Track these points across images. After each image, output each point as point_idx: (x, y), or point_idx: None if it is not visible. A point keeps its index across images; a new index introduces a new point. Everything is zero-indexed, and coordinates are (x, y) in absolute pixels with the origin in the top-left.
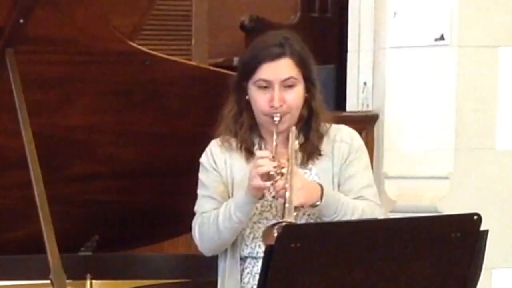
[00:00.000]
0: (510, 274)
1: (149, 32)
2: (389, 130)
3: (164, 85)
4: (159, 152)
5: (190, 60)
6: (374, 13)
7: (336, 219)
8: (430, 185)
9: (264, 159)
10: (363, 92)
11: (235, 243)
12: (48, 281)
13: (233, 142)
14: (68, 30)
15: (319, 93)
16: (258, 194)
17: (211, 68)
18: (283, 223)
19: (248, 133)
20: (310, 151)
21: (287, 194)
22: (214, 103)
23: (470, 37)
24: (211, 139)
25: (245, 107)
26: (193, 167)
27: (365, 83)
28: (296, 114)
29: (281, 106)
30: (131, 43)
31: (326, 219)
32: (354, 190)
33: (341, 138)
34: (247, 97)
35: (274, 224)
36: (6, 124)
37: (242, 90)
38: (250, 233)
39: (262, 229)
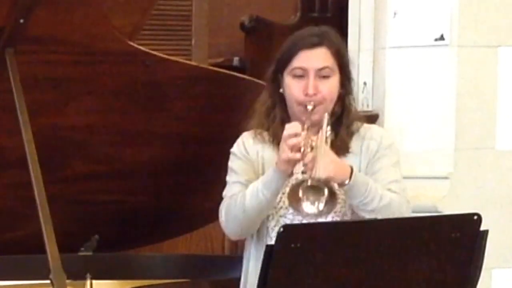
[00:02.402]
0: (510, 274)
1: (149, 32)
2: (389, 130)
3: (164, 85)
4: (159, 152)
5: (190, 60)
6: (374, 13)
7: (364, 202)
8: (430, 185)
9: (291, 131)
10: (363, 92)
11: (260, 236)
12: (48, 281)
13: (266, 135)
14: (68, 30)
15: (352, 89)
16: (287, 169)
17: (211, 68)
18: (308, 183)
19: (280, 127)
20: (339, 147)
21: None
22: (214, 103)
23: (470, 37)
24: (210, 139)
25: (279, 100)
26: (193, 167)
27: (365, 83)
28: (329, 107)
29: (315, 94)
30: (131, 43)
31: (355, 202)
32: (381, 184)
33: (371, 136)
34: (281, 90)
35: (300, 183)
36: (6, 124)
37: (276, 83)
38: (275, 225)
39: (288, 223)
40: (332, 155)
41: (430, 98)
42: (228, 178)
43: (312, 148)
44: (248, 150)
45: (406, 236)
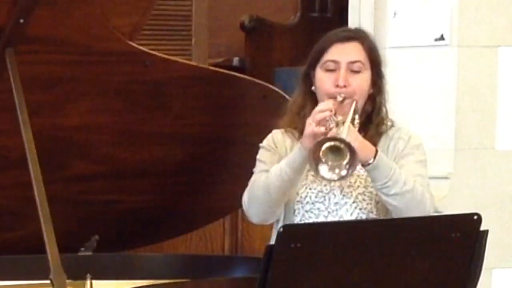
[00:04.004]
0: (510, 274)
1: (149, 32)
2: None
3: (164, 85)
4: (159, 152)
5: (190, 60)
6: (374, 13)
7: (387, 185)
8: (430, 185)
9: (322, 107)
10: None
11: None
12: (48, 281)
13: (296, 133)
14: (68, 30)
15: (384, 89)
16: (311, 145)
17: (211, 68)
18: (332, 140)
19: None
20: None
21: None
22: (214, 103)
23: (470, 37)
24: (210, 139)
25: (310, 98)
26: (193, 167)
27: None
28: (359, 102)
29: (345, 86)
30: (131, 43)
31: (378, 185)
32: None
33: (399, 136)
34: (312, 88)
35: (323, 141)
36: (6, 124)
37: (308, 81)
38: (300, 220)
39: (313, 218)
40: (357, 134)
41: (430, 98)
42: (254, 169)
43: (337, 125)
44: (277, 144)
45: (406, 236)
